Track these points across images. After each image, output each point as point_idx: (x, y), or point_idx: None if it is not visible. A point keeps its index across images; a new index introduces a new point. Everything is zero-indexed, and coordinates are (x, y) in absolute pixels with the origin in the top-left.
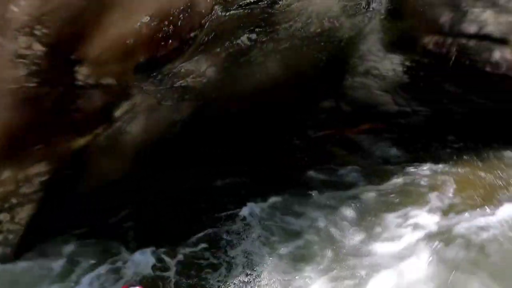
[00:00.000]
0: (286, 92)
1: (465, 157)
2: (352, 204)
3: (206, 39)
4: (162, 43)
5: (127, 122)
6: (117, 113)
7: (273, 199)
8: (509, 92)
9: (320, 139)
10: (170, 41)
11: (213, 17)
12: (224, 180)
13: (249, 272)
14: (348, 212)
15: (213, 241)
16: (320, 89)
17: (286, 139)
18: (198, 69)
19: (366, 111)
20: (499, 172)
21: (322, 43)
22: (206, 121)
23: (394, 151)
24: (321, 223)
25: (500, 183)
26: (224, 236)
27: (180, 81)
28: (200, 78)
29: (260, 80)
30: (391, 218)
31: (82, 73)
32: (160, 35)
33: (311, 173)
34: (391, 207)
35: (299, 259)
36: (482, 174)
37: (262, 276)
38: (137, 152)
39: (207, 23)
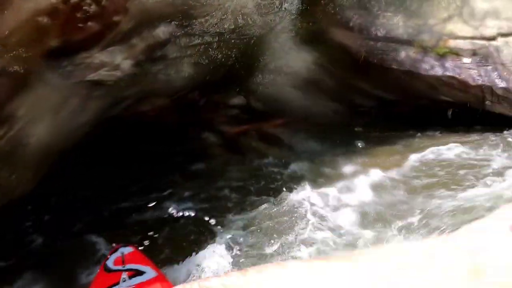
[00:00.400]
0: (197, 90)
1: (375, 146)
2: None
3: (125, 26)
4: (81, 24)
5: (30, 123)
6: (20, 111)
7: (201, 197)
8: (411, 85)
9: (237, 135)
10: (90, 23)
11: (136, 2)
12: (145, 180)
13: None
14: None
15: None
16: (231, 86)
17: (203, 137)
18: (113, 61)
19: (276, 107)
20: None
21: (233, 40)
22: (116, 122)
23: (312, 143)
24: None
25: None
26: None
27: (92, 74)
28: (113, 71)
29: (172, 78)
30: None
31: None
32: (79, 15)
33: (231, 168)
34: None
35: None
36: (392, 158)
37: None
38: (47, 158)
39: (130, 8)
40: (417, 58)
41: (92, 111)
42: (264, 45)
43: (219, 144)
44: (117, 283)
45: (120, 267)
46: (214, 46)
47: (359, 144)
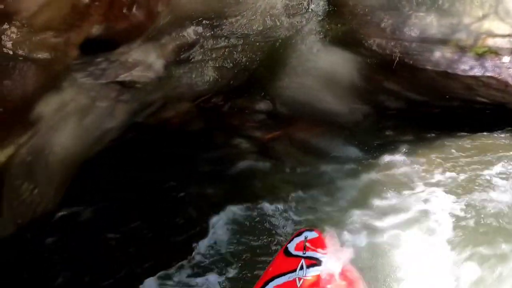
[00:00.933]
0: (221, 94)
1: (412, 150)
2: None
3: (163, 20)
4: (126, 11)
5: (54, 128)
6: (46, 113)
7: (244, 209)
8: (445, 86)
9: (269, 141)
10: (136, 11)
11: None
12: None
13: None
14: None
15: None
16: (255, 90)
17: (233, 144)
18: (146, 60)
19: (304, 111)
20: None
21: (258, 43)
22: (140, 129)
23: (349, 148)
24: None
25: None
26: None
27: (125, 74)
28: (146, 72)
29: (195, 82)
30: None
31: (11, 37)
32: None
33: (271, 177)
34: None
35: None
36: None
37: None
38: (71, 168)
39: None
40: (453, 59)
41: (119, 117)
42: (290, 48)
43: (252, 151)
44: (294, 270)
45: (300, 253)
46: (239, 49)
47: (394, 148)
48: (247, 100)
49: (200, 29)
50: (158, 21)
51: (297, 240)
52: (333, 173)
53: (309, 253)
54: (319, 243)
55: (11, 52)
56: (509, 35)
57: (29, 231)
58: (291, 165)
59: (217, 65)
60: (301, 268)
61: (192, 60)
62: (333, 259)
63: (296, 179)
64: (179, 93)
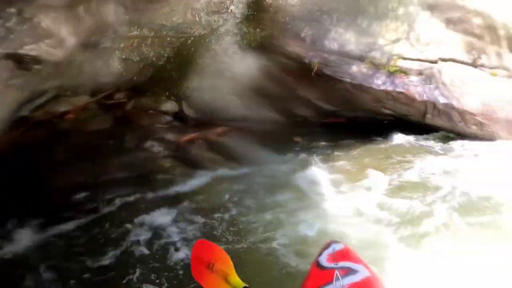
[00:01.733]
0: (124, 90)
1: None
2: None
3: None
4: None
5: None
6: None
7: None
8: (357, 97)
9: (184, 145)
10: None
11: None
12: None
13: None
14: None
15: None
16: (160, 89)
17: (145, 147)
18: (58, 32)
19: (213, 115)
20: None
21: (169, 38)
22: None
23: (263, 152)
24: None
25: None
26: None
27: (32, 46)
28: (55, 48)
29: (98, 71)
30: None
31: None
32: None
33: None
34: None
35: None
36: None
37: None
38: None
39: None
40: (369, 74)
41: (8, 106)
42: (204, 47)
43: (166, 155)
44: (331, 282)
45: (332, 265)
46: (148, 42)
47: (305, 152)
48: (152, 99)
49: (121, 9)
50: None
51: (327, 252)
52: (253, 177)
53: (341, 263)
54: (347, 253)
55: None
56: (418, 59)
57: None
58: (211, 169)
59: (123, 57)
60: (337, 278)
61: (101, 45)
62: (364, 266)
63: (220, 183)
64: (78, 83)
